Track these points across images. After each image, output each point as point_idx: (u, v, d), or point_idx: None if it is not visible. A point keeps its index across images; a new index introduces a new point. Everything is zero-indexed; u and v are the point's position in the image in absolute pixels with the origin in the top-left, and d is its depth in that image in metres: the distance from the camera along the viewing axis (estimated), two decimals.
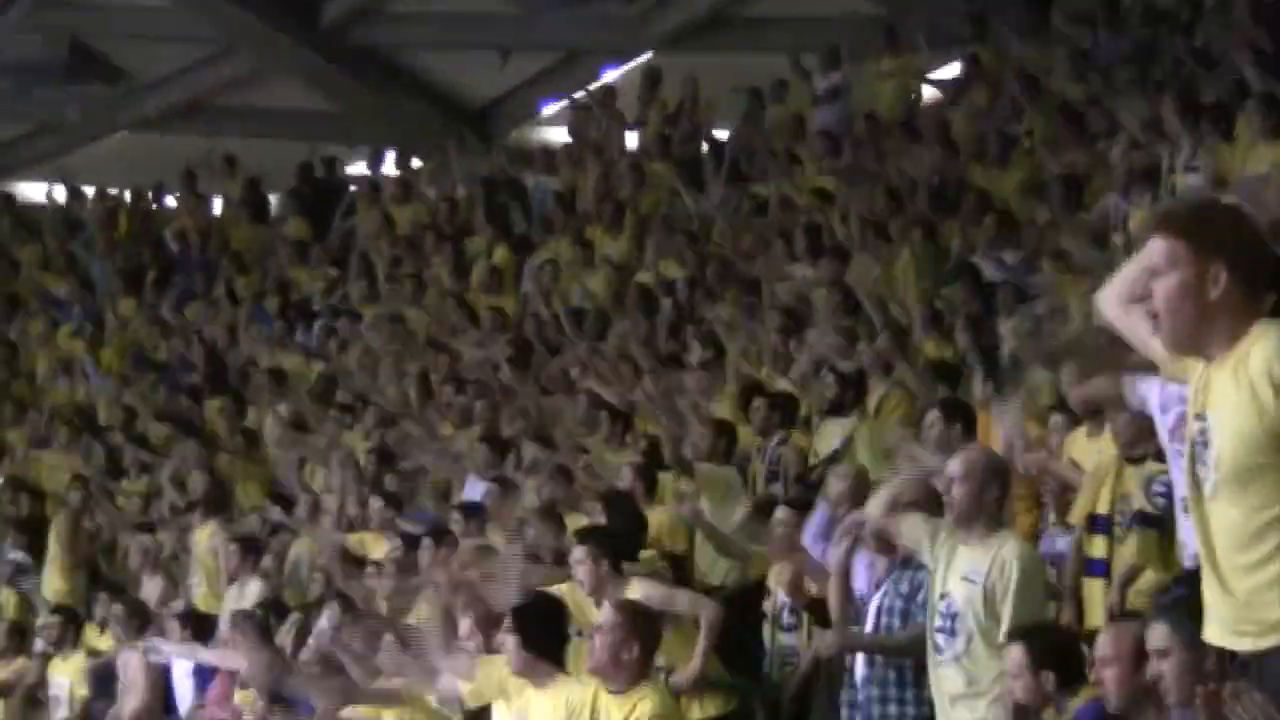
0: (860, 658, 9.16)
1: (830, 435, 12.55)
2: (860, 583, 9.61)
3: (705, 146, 21.54)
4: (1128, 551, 9.18)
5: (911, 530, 8.60)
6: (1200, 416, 4.83)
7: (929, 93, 20.89)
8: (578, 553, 10.30)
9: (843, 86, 20.76)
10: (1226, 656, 5.13)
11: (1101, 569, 9.39)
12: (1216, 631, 4.90)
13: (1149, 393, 8.12)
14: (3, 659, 15.67)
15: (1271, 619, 4.72)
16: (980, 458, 8.69)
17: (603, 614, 8.65)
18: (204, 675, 13.94)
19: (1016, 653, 7.65)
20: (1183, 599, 6.89)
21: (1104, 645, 7.06)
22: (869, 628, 9.11)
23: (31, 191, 27.98)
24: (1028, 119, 17.38)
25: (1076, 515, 9.66)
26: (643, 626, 8.58)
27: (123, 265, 24.36)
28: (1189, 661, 6.22)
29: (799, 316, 14.88)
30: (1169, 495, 8.60)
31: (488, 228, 21.00)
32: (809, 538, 10.42)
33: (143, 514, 17.30)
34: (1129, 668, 6.87)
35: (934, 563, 8.43)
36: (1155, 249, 4.86)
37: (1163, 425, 8.04)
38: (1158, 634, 6.42)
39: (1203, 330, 4.81)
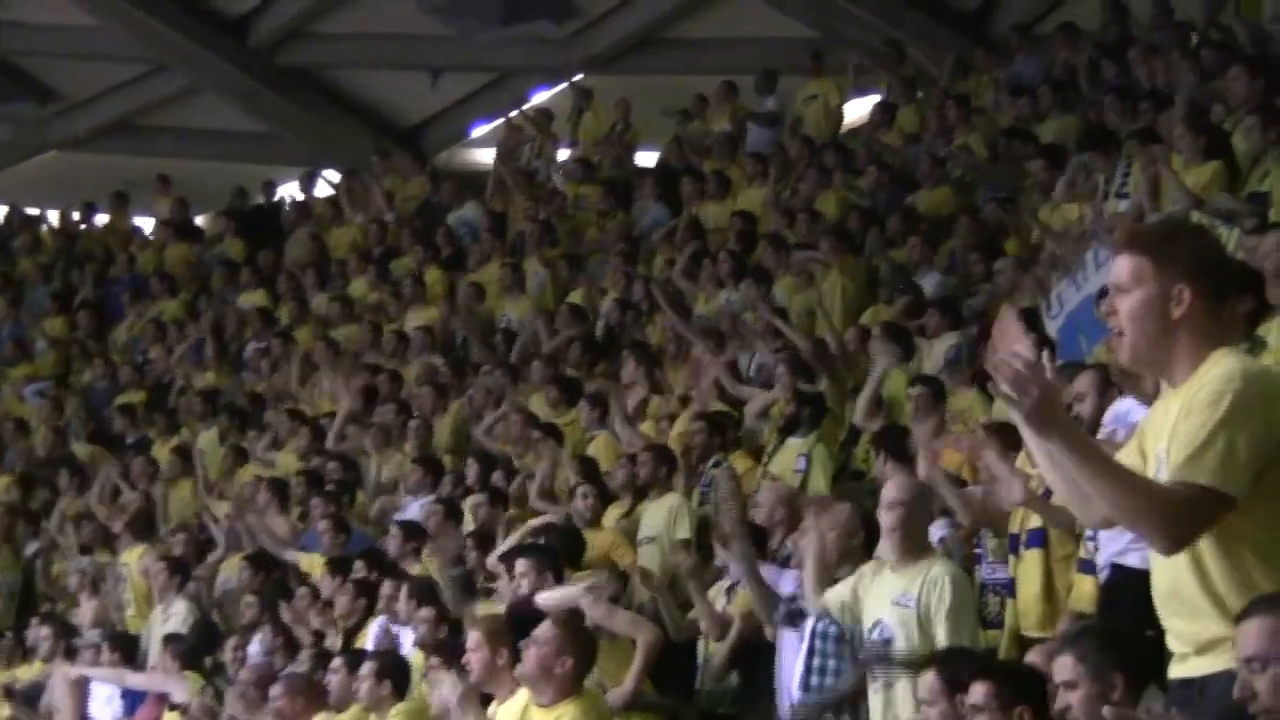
0: (796, 680, 9.11)
1: (790, 455, 12.47)
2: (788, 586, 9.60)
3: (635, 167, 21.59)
4: (1022, 570, 9.14)
5: (835, 600, 8.57)
6: (1158, 455, 4.84)
7: (855, 115, 20.96)
8: (520, 565, 10.29)
9: (778, 111, 20.79)
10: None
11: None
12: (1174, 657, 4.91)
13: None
14: None
15: (1209, 630, 4.76)
16: (912, 483, 8.71)
17: (540, 626, 8.56)
18: (133, 698, 13.83)
19: (931, 679, 7.57)
20: (1090, 630, 6.89)
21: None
22: (804, 647, 9.06)
23: None
24: (959, 140, 17.41)
25: None
26: (578, 641, 8.52)
27: (54, 285, 24.22)
28: (1097, 693, 6.22)
29: (726, 338, 14.92)
30: None
31: (416, 249, 20.92)
32: None
33: (75, 536, 17.18)
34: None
35: (861, 599, 8.42)
36: (1121, 266, 4.91)
37: None
38: (1064, 665, 6.39)
39: (1164, 349, 4.85)
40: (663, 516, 12.12)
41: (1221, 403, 4.66)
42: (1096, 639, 6.39)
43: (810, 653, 8.99)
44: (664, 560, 11.66)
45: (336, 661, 11.29)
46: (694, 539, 11.97)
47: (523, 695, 8.69)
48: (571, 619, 8.93)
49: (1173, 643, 4.90)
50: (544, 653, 8.36)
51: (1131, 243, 4.97)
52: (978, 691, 6.93)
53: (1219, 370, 4.73)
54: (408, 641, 11.45)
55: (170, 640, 13.66)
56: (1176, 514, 4.66)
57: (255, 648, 13.01)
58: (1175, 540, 4.71)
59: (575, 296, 17.97)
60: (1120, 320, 4.88)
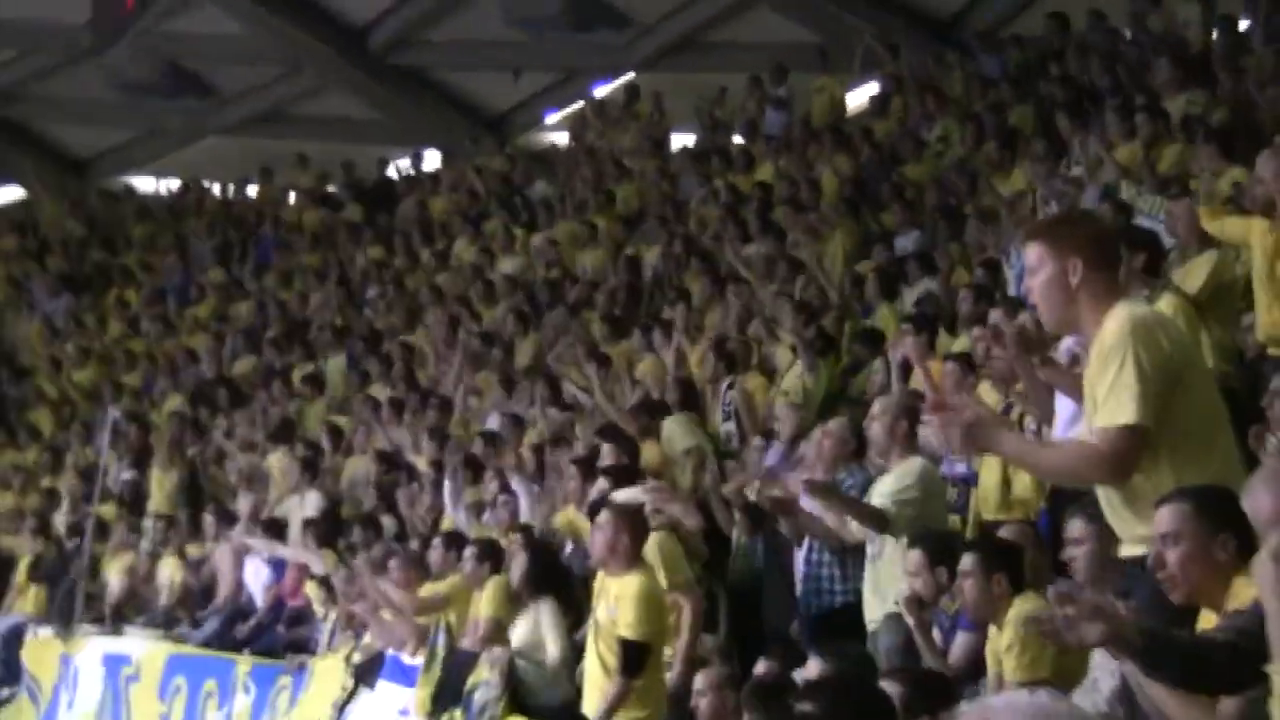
0: (800, 556, 9.14)
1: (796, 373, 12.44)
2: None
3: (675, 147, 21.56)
4: (985, 464, 9.06)
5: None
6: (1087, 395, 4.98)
7: (854, 104, 20.87)
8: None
9: (787, 98, 20.75)
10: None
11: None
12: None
13: None
14: (120, 553, 15.78)
15: (1138, 532, 4.88)
16: (892, 398, 8.70)
17: (599, 517, 8.57)
18: (278, 569, 13.98)
19: (915, 555, 7.64)
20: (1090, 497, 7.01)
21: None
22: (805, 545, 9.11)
23: (143, 184, 28.05)
24: (941, 125, 17.29)
25: None
26: (631, 522, 8.51)
27: (215, 241, 24.42)
28: (1099, 550, 6.43)
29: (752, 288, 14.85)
30: None
31: (503, 213, 21.00)
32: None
33: (228, 440, 17.34)
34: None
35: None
36: (1028, 254, 5.12)
37: None
38: (1075, 526, 6.63)
39: (1071, 312, 5.00)
40: (664, 438, 12.07)
41: (1120, 350, 4.79)
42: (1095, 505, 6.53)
43: (810, 548, 9.07)
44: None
45: (436, 540, 11.44)
46: (711, 447, 11.97)
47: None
48: (623, 507, 8.98)
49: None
50: (606, 534, 8.37)
51: (1032, 234, 5.21)
52: (966, 560, 7.01)
53: (1114, 322, 4.86)
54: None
55: (309, 524, 13.81)
56: (1113, 457, 4.80)
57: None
58: (1119, 476, 4.85)
59: (630, 250, 17.96)
60: (1035, 297, 5.08)
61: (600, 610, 8.34)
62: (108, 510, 16.67)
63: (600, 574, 8.61)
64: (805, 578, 9.03)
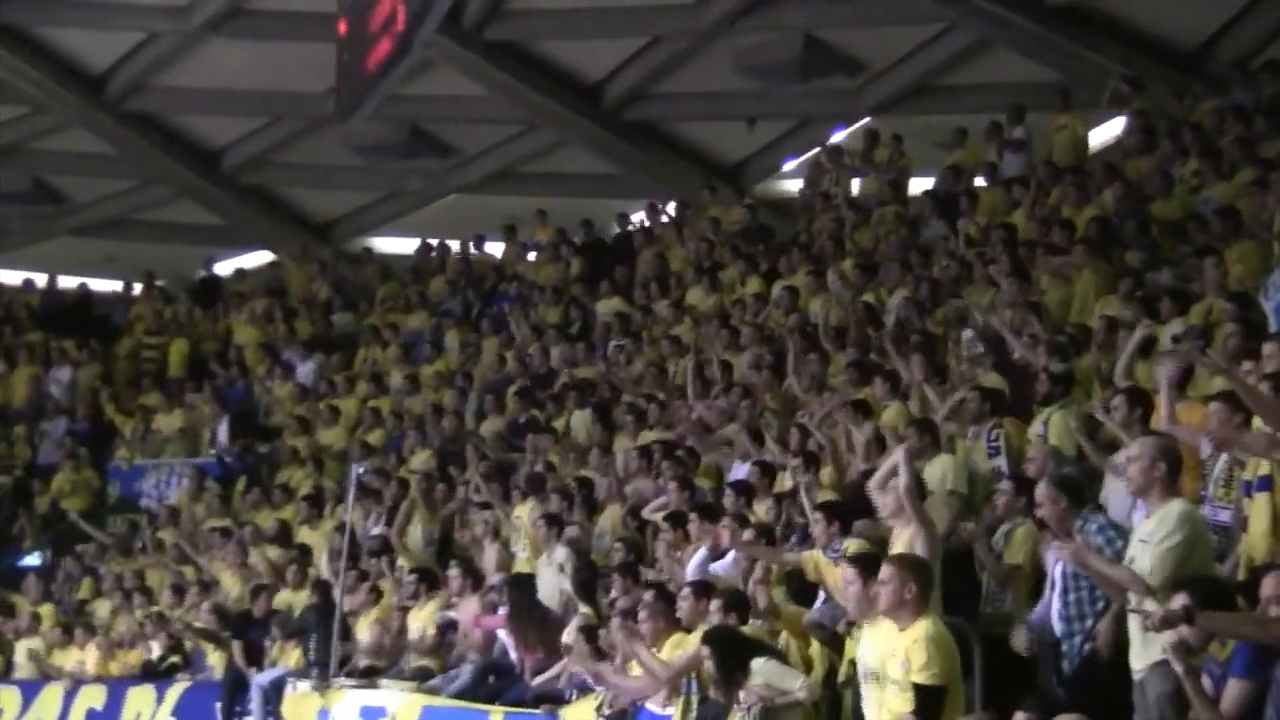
0: (1055, 592, 9.03)
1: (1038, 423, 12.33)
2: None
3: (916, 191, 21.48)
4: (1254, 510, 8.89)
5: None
6: None
7: (1097, 141, 20.60)
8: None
9: (1025, 139, 20.55)
10: None
11: None
12: None
13: None
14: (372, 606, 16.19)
15: None
16: (1150, 440, 8.54)
17: (882, 570, 8.34)
18: None
19: (1180, 600, 7.50)
20: None
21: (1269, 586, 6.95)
22: (1059, 586, 9.01)
23: (383, 244, 28.81)
24: (1192, 161, 16.94)
25: None
26: (914, 569, 8.32)
27: (458, 299, 24.96)
28: None
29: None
30: None
31: (739, 262, 21.11)
32: None
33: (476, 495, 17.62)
34: None
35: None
36: None
37: None
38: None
39: None
40: (937, 475, 11.97)
41: None
42: None
43: (1065, 590, 8.93)
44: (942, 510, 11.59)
45: (685, 590, 11.50)
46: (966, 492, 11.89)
47: (886, 623, 8.38)
48: (903, 557, 8.87)
49: None
50: (892, 588, 8.15)
51: None
52: (1176, 602, 7.24)
53: None
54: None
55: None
56: None
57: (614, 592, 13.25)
58: None
59: (869, 296, 17.88)
60: None
61: (891, 666, 8.09)
62: (360, 565, 17.08)
63: (867, 625, 8.55)
64: (1063, 616, 8.94)
